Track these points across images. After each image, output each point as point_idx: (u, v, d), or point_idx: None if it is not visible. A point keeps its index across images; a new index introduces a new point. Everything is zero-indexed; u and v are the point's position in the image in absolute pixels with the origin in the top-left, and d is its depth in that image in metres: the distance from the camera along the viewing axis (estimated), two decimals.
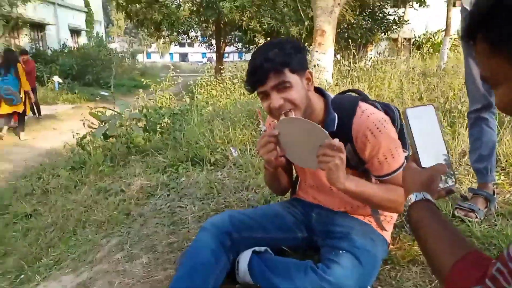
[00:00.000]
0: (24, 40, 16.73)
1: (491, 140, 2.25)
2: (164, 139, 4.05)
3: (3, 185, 5.18)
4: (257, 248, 1.68)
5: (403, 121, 0.99)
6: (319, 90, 1.62)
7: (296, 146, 1.44)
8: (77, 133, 4.53)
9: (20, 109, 7.79)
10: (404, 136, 1.68)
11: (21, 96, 7.65)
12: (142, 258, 2.09)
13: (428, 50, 11.47)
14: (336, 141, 1.31)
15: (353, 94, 1.73)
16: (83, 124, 4.40)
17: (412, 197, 0.93)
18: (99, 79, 16.66)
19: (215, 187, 2.82)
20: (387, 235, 1.75)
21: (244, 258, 1.65)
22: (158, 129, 4.43)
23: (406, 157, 1.70)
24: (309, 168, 1.70)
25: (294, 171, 1.94)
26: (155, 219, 2.54)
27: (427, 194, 0.93)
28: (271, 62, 1.36)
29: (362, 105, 1.53)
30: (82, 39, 22.57)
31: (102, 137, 4.51)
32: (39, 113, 9.89)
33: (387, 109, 1.66)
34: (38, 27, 18.64)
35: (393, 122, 1.63)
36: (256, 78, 1.41)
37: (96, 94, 14.71)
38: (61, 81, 14.24)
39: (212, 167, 3.26)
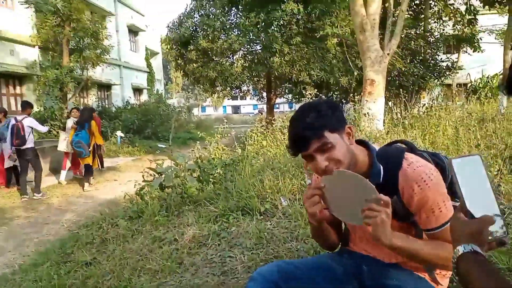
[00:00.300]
0: (91, 99, 18.26)
1: None
2: (216, 189, 4.18)
3: (66, 234, 5.51)
4: None
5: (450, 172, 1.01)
6: (362, 143, 1.65)
7: (341, 200, 1.45)
8: (137, 183, 4.78)
9: (87, 161, 8.41)
10: (455, 187, 1.64)
11: (89, 149, 8.28)
12: None
13: (486, 94, 11.05)
14: (382, 196, 1.31)
15: (401, 145, 1.74)
16: (143, 176, 4.66)
17: (460, 249, 0.92)
18: (157, 132, 17.61)
19: (264, 237, 2.84)
20: (444, 286, 1.67)
21: None
22: (211, 179, 4.58)
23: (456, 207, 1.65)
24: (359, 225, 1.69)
25: (343, 223, 1.93)
26: (206, 269, 2.60)
27: (476, 245, 0.91)
28: (310, 128, 1.42)
29: (409, 157, 1.52)
30: (144, 96, 24.22)
31: (158, 187, 4.73)
32: (102, 166, 10.56)
33: (436, 159, 1.64)
34: (105, 87, 20.34)
35: (443, 172, 1.61)
36: (298, 145, 1.47)
37: (154, 147, 15.50)
38: (123, 135, 15.22)
39: (262, 217, 3.30)
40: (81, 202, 7.56)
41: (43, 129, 8.37)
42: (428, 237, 1.51)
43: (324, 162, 1.44)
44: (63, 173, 8.89)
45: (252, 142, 5.75)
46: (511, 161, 3.44)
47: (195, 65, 13.23)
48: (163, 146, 15.25)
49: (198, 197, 4.14)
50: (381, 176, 1.53)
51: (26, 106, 7.82)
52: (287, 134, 1.52)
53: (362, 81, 7.43)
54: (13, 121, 7.36)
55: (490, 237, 0.93)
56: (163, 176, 4.78)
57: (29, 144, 7.47)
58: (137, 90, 24.02)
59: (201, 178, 4.78)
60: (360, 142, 1.64)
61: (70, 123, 8.66)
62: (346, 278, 1.76)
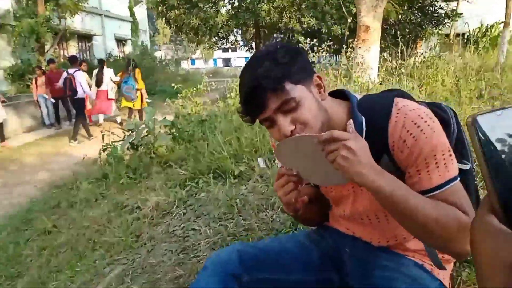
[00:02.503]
0: (72, 50, 17.37)
1: None
2: (188, 149, 3.74)
3: (38, 195, 5.13)
4: None
5: (469, 136, 0.52)
6: (342, 93, 1.20)
7: (308, 166, 1.08)
8: (104, 144, 4.33)
9: (137, 106, 9.06)
10: (463, 145, 1.22)
11: (136, 95, 8.93)
12: None
13: (484, 45, 10.53)
14: (327, 133, 0.95)
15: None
16: (102, 136, 4.20)
17: None
18: None
19: (236, 205, 2.45)
20: (445, 278, 1.27)
21: None
22: (186, 137, 4.14)
23: (469, 171, 1.22)
24: (336, 191, 1.28)
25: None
26: (165, 244, 2.21)
27: None
28: (265, 80, 0.99)
29: (399, 102, 1.08)
30: (128, 48, 23.18)
31: (129, 146, 4.30)
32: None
33: (437, 109, 1.20)
34: (85, 38, 19.33)
35: (446, 126, 1.18)
36: (252, 106, 1.04)
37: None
38: None
39: (236, 180, 2.89)
40: (58, 160, 7.15)
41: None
42: None
43: (289, 126, 1.03)
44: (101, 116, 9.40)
45: (234, 95, 5.24)
46: None
47: (177, 11, 12.32)
48: (149, 100, 14.67)
49: (168, 158, 3.71)
50: (364, 130, 1.09)
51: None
52: (239, 93, 1.07)
53: (356, 29, 6.86)
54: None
55: None
56: (133, 134, 4.33)
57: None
58: (121, 41, 22.95)
59: (176, 136, 4.33)
60: (338, 93, 1.20)
61: (108, 74, 9.12)
62: (323, 265, 1.37)
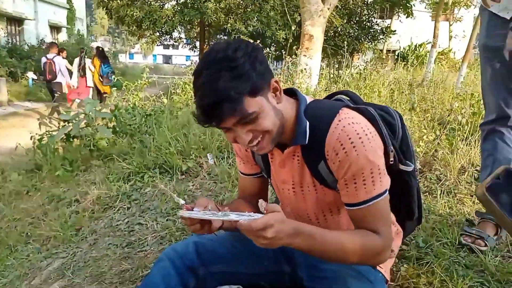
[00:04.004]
0: None
1: (506, 157, 1.93)
2: (132, 143, 3.63)
3: None
4: None
5: (485, 206, 0.60)
6: (291, 91, 1.25)
7: None
8: (36, 134, 4.05)
9: (107, 90, 9.19)
10: (407, 146, 1.33)
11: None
12: None
13: (412, 62, 11.37)
14: (248, 224, 0.94)
15: (343, 97, 1.36)
16: (39, 124, 3.94)
17: None
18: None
19: (184, 200, 2.42)
20: (387, 271, 1.38)
21: None
22: (128, 131, 4.00)
23: (412, 172, 1.34)
24: (284, 191, 1.33)
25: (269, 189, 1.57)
26: (109, 238, 2.14)
27: None
28: (225, 99, 0.98)
29: (343, 112, 1.13)
30: (62, 36, 21.83)
31: (65, 138, 4.06)
32: None
33: (383, 113, 1.29)
34: (16, 21, 17.92)
35: (392, 128, 1.28)
36: (211, 119, 1.03)
37: None
38: (35, 77, 13.61)
39: (183, 177, 2.86)
40: None
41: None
42: (350, 216, 1.17)
43: (247, 136, 1.06)
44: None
45: (180, 92, 5.16)
46: (449, 126, 3.31)
47: (119, 2, 11.83)
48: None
49: (109, 151, 3.56)
50: (307, 136, 1.14)
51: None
52: (194, 97, 1.05)
53: (300, 36, 7.08)
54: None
55: None
56: (70, 125, 4.10)
57: None
58: (55, 28, 21.56)
59: (117, 129, 4.17)
60: (288, 92, 1.24)
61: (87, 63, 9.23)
62: (276, 257, 1.41)
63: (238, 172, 1.45)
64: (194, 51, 16.63)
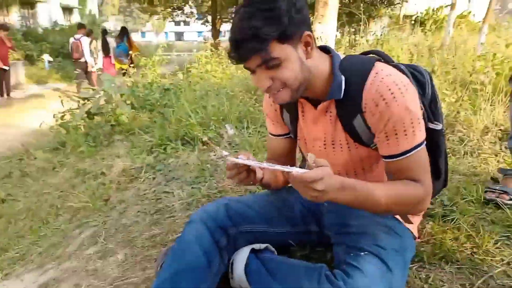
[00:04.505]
0: (13, 17, 16.11)
1: None
2: (152, 117, 3.67)
3: None
4: (256, 246, 1.33)
5: None
6: (325, 49, 1.24)
7: None
8: (58, 112, 4.13)
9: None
10: (436, 105, 1.32)
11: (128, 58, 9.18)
12: (118, 254, 1.75)
13: (430, 26, 11.03)
14: (301, 176, 0.94)
15: (374, 56, 1.35)
16: (61, 102, 4.00)
17: None
18: None
19: (207, 169, 2.46)
20: (414, 228, 1.39)
21: (241, 259, 1.29)
22: (147, 106, 4.04)
23: (441, 131, 1.34)
24: (315, 148, 1.33)
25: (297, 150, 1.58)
26: (137, 207, 2.20)
27: None
28: (252, 36, 0.99)
29: (378, 66, 1.14)
30: (75, 17, 21.84)
31: (86, 115, 4.13)
32: (8, 94, 9.87)
33: (414, 71, 1.29)
34: (29, 4, 17.98)
35: (422, 88, 1.27)
36: (237, 56, 1.05)
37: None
38: (51, 59, 13.74)
39: (205, 147, 2.89)
40: (4, 132, 6.72)
41: None
42: (389, 170, 1.18)
43: (266, 82, 1.06)
44: None
45: (197, 66, 5.15)
46: (472, 87, 3.24)
47: None
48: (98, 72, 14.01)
49: (130, 126, 3.62)
50: (342, 89, 1.14)
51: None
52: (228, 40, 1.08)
53: (315, 4, 6.92)
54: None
55: None
56: (89, 102, 4.16)
57: None
58: (67, 10, 21.56)
59: (135, 105, 4.22)
60: (321, 49, 1.24)
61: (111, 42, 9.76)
62: (304, 217, 1.45)
63: (268, 134, 1.46)
64: (206, 26, 16.46)
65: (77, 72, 9.43)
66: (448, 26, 9.99)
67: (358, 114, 1.16)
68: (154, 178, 2.55)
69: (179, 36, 54.81)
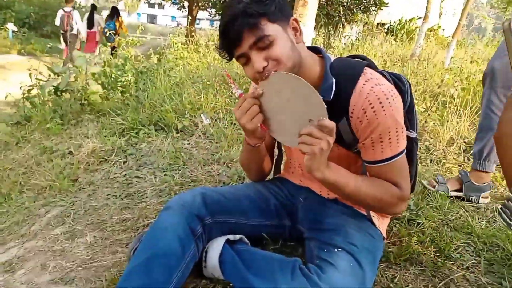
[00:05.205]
0: None
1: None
2: (124, 99, 3.59)
3: None
4: (231, 237, 1.35)
5: (505, 38, 0.64)
6: (316, 50, 1.28)
7: (280, 113, 1.12)
8: (25, 85, 3.95)
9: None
10: (413, 115, 1.39)
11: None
12: (86, 236, 1.72)
13: (402, 36, 11.36)
14: (327, 122, 1.02)
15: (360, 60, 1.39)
16: (29, 74, 3.83)
17: None
18: (59, 31, 15.42)
19: (181, 157, 2.45)
20: (384, 228, 1.46)
21: (215, 248, 1.31)
22: (119, 87, 3.94)
23: (415, 139, 1.41)
24: (297, 148, 1.37)
25: (276, 147, 1.61)
26: (107, 189, 2.15)
27: None
28: (243, 14, 1.05)
29: (368, 73, 1.19)
30: None
31: (53, 91, 3.97)
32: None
33: (396, 79, 1.34)
34: None
35: (402, 95, 1.33)
36: (229, 39, 1.09)
37: (54, 47, 13.60)
38: (16, 29, 13.07)
39: (179, 135, 2.87)
40: None
41: None
42: (369, 173, 1.25)
43: (262, 62, 1.09)
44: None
45: (172, 51, 5.06)
46: (440, 98, 3.38)
47: None
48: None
49: (102, 106, 3.52)
50: (332, 91, 1.18)
51: None
52: (218, 29, 1.11)
53: (294, 1, 6.96)
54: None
55: None
56: (59, 78, 4.01)
57: None
58: None
59: (106, 85, 4.10)
60: (312, 49, 1.28)
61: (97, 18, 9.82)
62: (278, 211, 1.48)
63: None
64: (182, 11, 16.15)
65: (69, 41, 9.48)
66: (420, 38, 10.35)
67: (344, 117, 1.20)
68: (125, 162, 2.51)
69: (152, 18, 53.48)
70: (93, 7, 10.21)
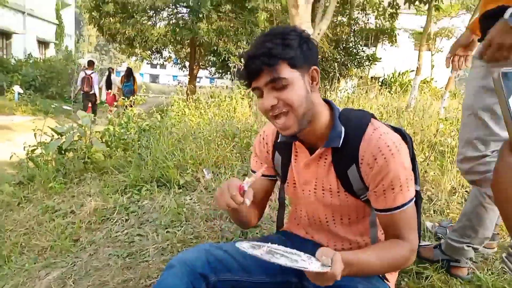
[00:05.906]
0: None
1: None
2: (127, 156, 3.63)
3: None
4: None
5: (495, 89, 0.65)
6: (326, 102, 1.33)
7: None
8: (29, 145, 4.02)
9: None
10: (415, 168, 1.41)
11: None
12: None
13: (396, 88, 11.70)
14: (327, 273, 1.03)
15: None
16: (34, 135, 3.91)
17: None
18: (63, 93, 15.88)
19: (183, 213, 2.44)
20: (393, 283, 1.43)
21: None
22: (122, 145, 4.00)
23: (418, 192, 1.42)
24: (305, 192, 1.38)
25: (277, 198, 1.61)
26: (108, 249, 2.13)
27: None
28: (266, 54, 1.10)
29: (375, 123, 1.24)
30: (50, 51, 21.74)
31: (56, 150, 4.02)
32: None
33: (399, 134, 1.38)
34: (4, 34, 17.85)
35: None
36: (248, 71, 1.14)
37: (59, 108, 13.94)
38: (21, 91, 13.46)
39: (181, 190, 2.87)
40: None
41: None
42: (380, 222, 1.25)
43: (272, 101, 1.13)
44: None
45: (174, 108, 5.20)
46: (438, 148, 3.42)
47: (112, 19, 11.94)
48: (69, 108, 13.79)
49: (104, 164, 3.56)
50: (341, 139, 1.22)
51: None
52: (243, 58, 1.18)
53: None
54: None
55: None
56: (63, 137, 4.08)
57: None
58: (43, 43, 21.49)
59: (110, 143, 4.17)
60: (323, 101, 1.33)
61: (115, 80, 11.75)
62: (283, 268, 1.44)
63: (250, 171, 1.50)
64: (184, 71, 16.74)
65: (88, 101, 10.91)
66: (414, 90, 10.62)
67: (354, 164, 1.22)
68: (127, 220, 2.49)
69: (154, 78, 55.19)
70: (110, 70, 11.79)
